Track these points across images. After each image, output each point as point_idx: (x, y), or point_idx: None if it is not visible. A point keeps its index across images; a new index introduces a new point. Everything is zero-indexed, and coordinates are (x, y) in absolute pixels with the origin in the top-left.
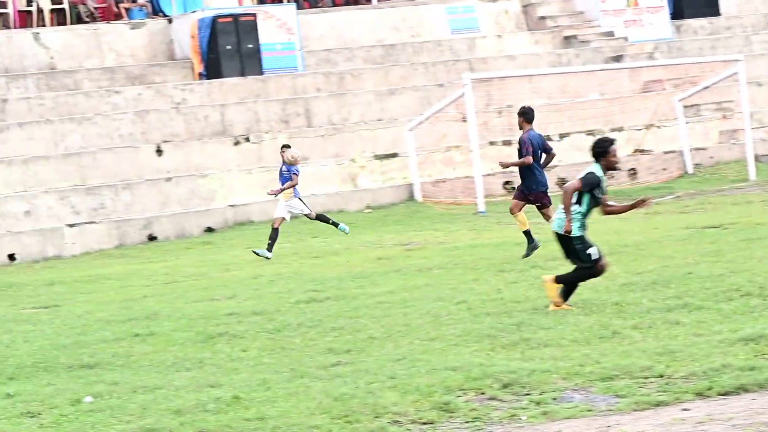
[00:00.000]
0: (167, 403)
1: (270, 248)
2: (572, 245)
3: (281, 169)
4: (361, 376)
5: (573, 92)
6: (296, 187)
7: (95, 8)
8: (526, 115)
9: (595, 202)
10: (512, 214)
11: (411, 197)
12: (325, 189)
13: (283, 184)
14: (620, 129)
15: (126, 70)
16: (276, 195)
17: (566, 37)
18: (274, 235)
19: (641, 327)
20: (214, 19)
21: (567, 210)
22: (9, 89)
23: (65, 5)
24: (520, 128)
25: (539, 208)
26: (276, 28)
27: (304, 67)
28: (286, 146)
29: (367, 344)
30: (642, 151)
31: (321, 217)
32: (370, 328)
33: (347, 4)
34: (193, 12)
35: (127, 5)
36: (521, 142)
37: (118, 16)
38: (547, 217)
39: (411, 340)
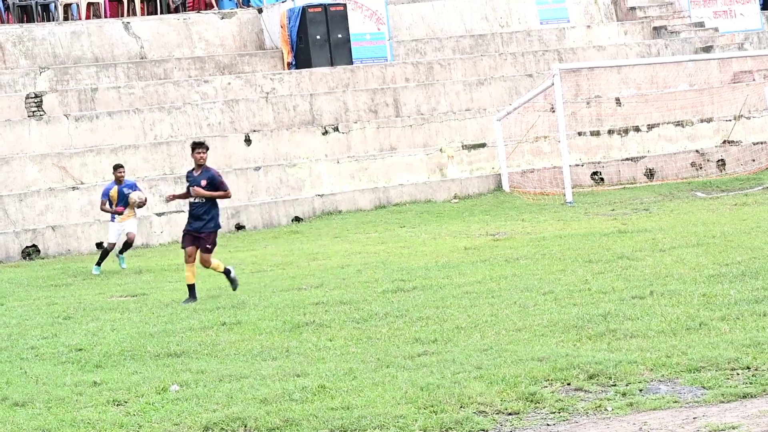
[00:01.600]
0: (253, 392)
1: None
2: None
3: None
4: (447, 366)
5: (662, 83)
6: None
7: None
8: None
9: None
10: None
11: (499, 187)
12: (413, 179)
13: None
14: (709, 120)
15: (215, 60)
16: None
17: (655, 28)
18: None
19: (729, 318)
20: (304, 9)
21: None
22: (99, 78)
23: None
24: None
25: None
26: (365, 18)
27: (393, 57)
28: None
29: (454, 334)
30: (731, 142)
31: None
32: (457, 318)
33: None
34: (283, 2)
35: None
36: None
37: (208, 6)
38: None
39: (497, 331)
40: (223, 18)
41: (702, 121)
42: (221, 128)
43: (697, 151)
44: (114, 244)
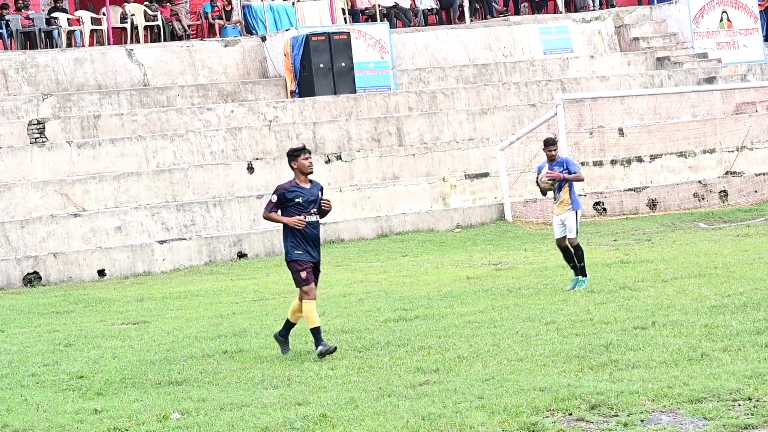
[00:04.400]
0: (254, 421)
1: None
2: None
3: None
4: (448, 395)
5: (665, 113)
6: None
7: (189, 25)
8: None
9: None
10: None
11: (501, 217)
12: (415, 208)
13: None
14: (712, 150)
15: (219, 88)
16: None
17: (659, 59)
18: None
19: (730, 349)
20: (307, 38)
21: None
22: (102, 105)
23: (159, 22)
24: None
25: None
26: (369, 47)
27: (397, 85)
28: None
29: (456, 364)
30: (733, 173)
31: None
32: (459, 348)
33: (440, 23)
34: (287, 30)
35: (221, 23)
36: None
37: (211, 34)
38: None
39: (499, 360)
40: (226, 46)
41: (705, 152)
42: (224, 156)
43: (699, 181)
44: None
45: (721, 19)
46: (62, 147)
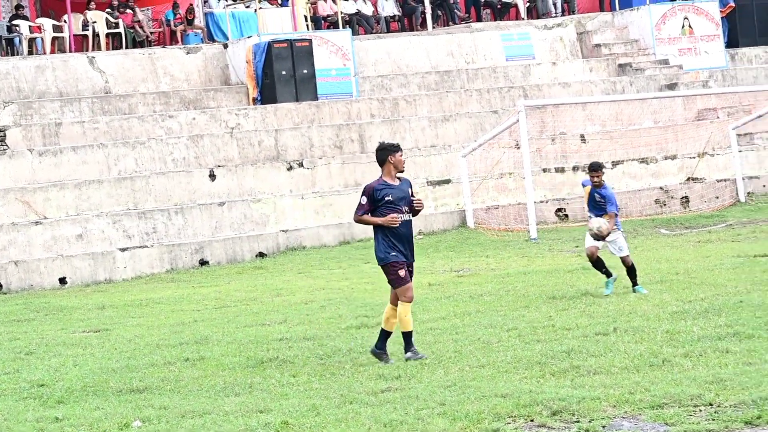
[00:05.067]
0: (216, 428)
1: None
2: None
3: None
4: (410, 402)
5: (627, 120)
6: None
7: (151, 33)
8: None
9: None
10: None
11: (463, 223)
12: None
13: None
14: (674, 157)
15: (180, 95)
16: None
17: (621, 65)
18: None
19: (692, 355)
20: (270, 45)
21: None
22: (63, 113)
23: (121, 29)
24: None
25: None
26: (331, 54)
27: (359, 92)
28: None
29: (417, 370)
30: (695, 179)
31: None
32: None
33: (402, 30)
34: (249, 37)
35: (183, 30)
36: None
37: (173, 41)
38: None
39: (461, 367)
40: (188, 53)
41: (666, 158)
42: (186, 163)
43: (661, 188)
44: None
45: (683, 26)
46: (23, 154)
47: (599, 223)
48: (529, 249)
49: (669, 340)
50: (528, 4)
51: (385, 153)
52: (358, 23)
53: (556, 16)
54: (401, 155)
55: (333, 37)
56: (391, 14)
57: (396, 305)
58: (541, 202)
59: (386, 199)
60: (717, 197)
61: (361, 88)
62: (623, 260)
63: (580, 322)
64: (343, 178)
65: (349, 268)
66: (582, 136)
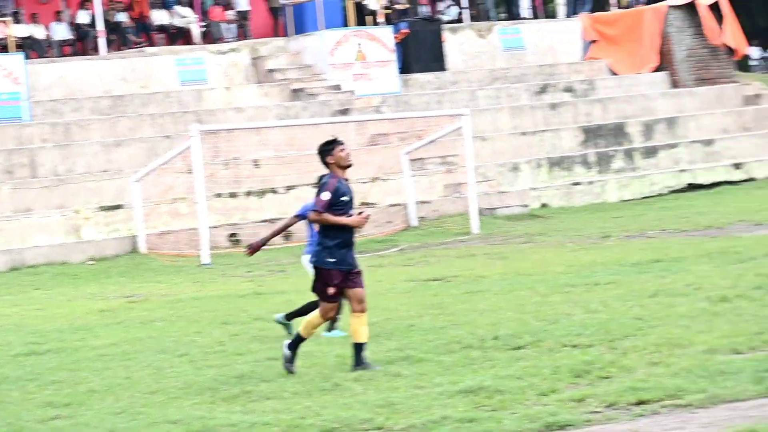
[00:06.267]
0: None
1: None
2: None
3: None
4: (80, 429)
5: (300, 145)
6: None
7: None
8: None
9: None
10: None
11: (135, 249)
12: (48, 240)
13: None
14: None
15: None
16: None
17: (294, 90)
18: None
19: (362, 379)
20: None
21: None
22: None
23: None
24: None
25: None
26: (2, 78)
27: (31, 117)
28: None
29: (87, 397)
30: (367, 204)
31: None
32: (91, 381)
33: (75, 54)
34: None
35: None
36: None
37: None
38: None
39: (132, 393)
40: None
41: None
42: None
43: None
44: None
45: (358, 51)
46: None
47: None
48: (201, 274)
49: (340, 364)
50: (203, 29)
51: (322, 155)
52: (31, 47)
53: (230, 41)
54: (342, 150)
55: (4, 60)
56: (64, 38)
57: (356, 313)
58: (214, 227)
59: (342, 199)
60: (389, 222)
61: (34, 113)
62: None
63: (252, 347)
64: (13, 204)
65: (18, 295)
66: (255, 161)
